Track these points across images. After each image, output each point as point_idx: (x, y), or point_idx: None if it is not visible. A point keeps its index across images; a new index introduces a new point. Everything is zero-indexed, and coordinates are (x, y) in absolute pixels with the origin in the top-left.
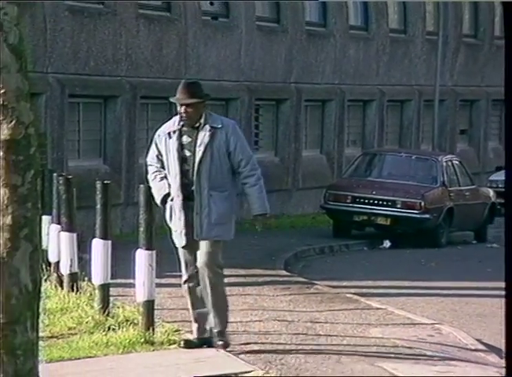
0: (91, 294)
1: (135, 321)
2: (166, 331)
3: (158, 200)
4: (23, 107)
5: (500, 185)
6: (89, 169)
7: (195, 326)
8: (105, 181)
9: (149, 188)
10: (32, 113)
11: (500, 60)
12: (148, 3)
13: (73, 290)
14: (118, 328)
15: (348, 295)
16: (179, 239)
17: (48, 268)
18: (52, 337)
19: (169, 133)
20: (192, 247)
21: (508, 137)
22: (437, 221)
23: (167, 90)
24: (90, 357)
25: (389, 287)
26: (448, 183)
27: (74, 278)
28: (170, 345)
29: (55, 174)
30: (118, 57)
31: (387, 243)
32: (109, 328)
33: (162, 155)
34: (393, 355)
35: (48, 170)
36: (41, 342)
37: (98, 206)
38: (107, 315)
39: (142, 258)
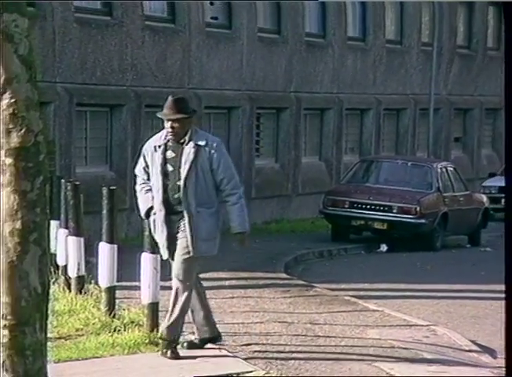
0: (98, 297)
1: (140, 323)
2: None
3: (142, 213)
4: (32, 116)
5: (493, 191)
6: (96, 175)
7: (195, 327)
8: (111, 187)
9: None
10: (41, 121)
11: (493, 71)
12: (154, 15)
13: (80, 293)
14: (124, 330)
15: (346, 298)
16: (162, 251)
17: (56, 271)
18: (60, 338)
19: (155, 147)
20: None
21: (508, 143)
22: (432, 226)
23: None
24: (97, 358)
25: (385, 290)
26: (443, 189)
27: (81, 281)
28: None
29: (63, 180)
30: (123, 67)
31: (384, 247)
32: (115, 330)
33: (148, 168)
34: (389, 355)
35: (56, 177)
36: (49, 343)
37: (104, 212)
38: (114, 317)
39: (147, 262)
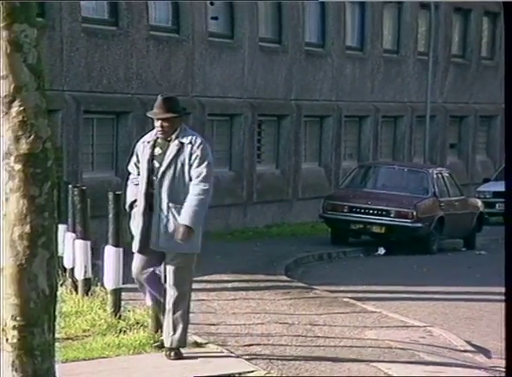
0: (104, 299)
1: (145, 324)
2: None
3: (126, 205)
4: (41, 123)
5: (488, 196)
6: (102, 180)
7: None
8: (117, 192)
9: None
10: (49, 128)
11: (487, 79)
12: (158, 25)
13: (87, 295)
14: (129, 330)
15: (345, 299)
16: (134, 243)
17: (63, 273)
18: (67, 338)
19: (145, 144)
20: (145, 253)
21: (508, 148)
22: (429, 230)
23: None
24: (103, 358)
25: (383, 292)
26: (439, 194)
27: (87, 283)
28: None
29: (70, 186)
30: (129, 76)
31: (382, 250)
32: (121, 330)
33: (139, 163)
34: (387, 356)
35: (64, 182)
36: (57, 344)
37: (110, 216)
38: (119, 318)
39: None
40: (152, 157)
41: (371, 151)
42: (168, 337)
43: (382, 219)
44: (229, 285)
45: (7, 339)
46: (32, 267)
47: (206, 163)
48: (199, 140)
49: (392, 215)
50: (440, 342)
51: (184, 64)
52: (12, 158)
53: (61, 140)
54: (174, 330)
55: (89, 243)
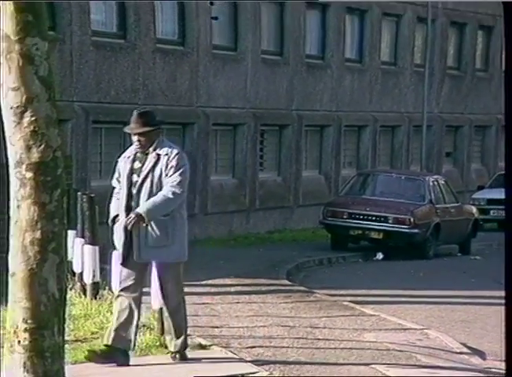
0: (111, 302)
1: (151, 326)
2: None
3: (109, 220)
4: (51, 133)
5: (482, 203)
6: (110, 188)
7: (112, 334)
8: None
9: None
10: (59, 138)
11: (481, 90)
12: (165, 38)
13: (95, 298)
14: (136, 333)
15: (344, 303)
16: (118, 257)
17: (72, 277)
18: (76, 341)
19: (126, 158)
20: (130, 266)
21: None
22: (425, 236)
23: (181, 117)
24: None
25: (381, 296)
26: (435, 201)
27: (96, 287)
28: None
29: (79, 193)
30: (136, 87)
31: (380, 256)
32: None
33: (120, 178)
34: (385, 357)
35: (73, 189)
36: (66, 345)
37: None
38: None
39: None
40: (132, 171)
41: (370, 160)
42: (171, 342)
43: (380, 225)
44: (232, 289)
45: (19, 341)
46: (43, 271)
47: (180, 171)
48: (175, 151)
49: (390, 221)
50: (436, 344)
51: (189, 76)
52: (24, 166)
53: (71, 149)
54: (176, 335)
55: (97, 248)
